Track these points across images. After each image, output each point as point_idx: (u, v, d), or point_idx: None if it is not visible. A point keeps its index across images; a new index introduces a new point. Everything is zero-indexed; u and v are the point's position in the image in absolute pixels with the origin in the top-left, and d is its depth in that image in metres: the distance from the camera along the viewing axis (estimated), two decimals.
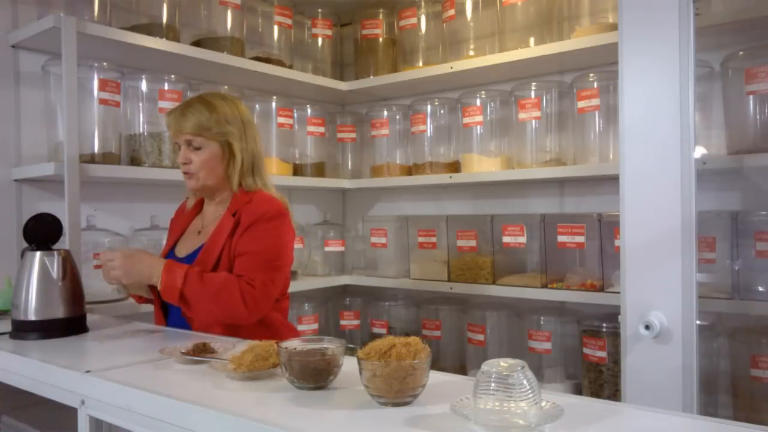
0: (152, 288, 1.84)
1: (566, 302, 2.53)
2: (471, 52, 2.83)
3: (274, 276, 1.79)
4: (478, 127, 2.80)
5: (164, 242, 2.45)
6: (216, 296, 1.70)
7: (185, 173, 1.89)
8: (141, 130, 2.46)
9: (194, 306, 1.72)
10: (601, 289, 2.36)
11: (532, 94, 2.65)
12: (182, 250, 1.94)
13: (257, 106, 2.95)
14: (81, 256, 2.12)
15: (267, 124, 2.95)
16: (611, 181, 1.99)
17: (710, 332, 2.18)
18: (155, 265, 1.74)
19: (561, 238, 2.49)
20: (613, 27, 2.28)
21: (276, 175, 2.90)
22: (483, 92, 2.82)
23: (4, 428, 1.78)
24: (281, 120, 2.98)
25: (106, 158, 2.34)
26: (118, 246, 2.34)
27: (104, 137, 2.34)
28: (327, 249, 3.22)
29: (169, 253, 1.97)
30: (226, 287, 1.71)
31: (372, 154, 3.26)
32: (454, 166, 2.94)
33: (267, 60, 2.88)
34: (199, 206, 2.03)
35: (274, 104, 2.97)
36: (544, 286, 2.51)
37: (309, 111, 3.15)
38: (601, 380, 2.35)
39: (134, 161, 2.43)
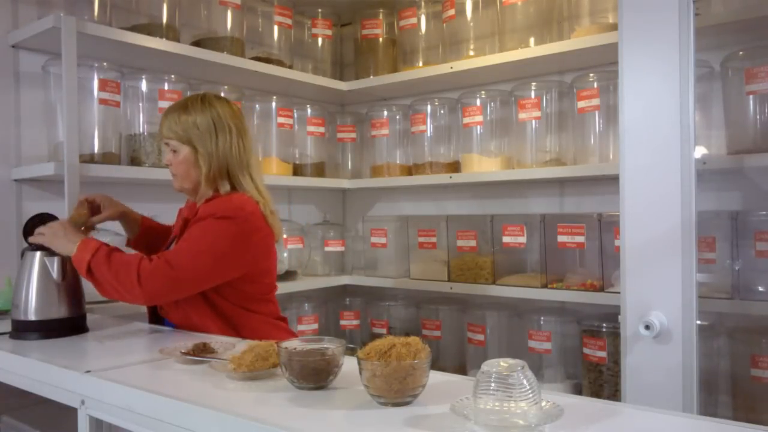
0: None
1: (566, 302, 2.53)
2: (471, 52, 2.83)
3: (187, 263, 1.69)
4: (478, 127, 2.80)
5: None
6: (117, 273, 1.66)
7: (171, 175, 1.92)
8: (141, 130, 2.46)
9: (99, 280, 1.68)
10: (601, 289, 2.36)
11: (532, 94, 2.65)
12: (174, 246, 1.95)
13: (257, 106, 2.95)
14: None
15: (267, 124, 2.95)
16: (611, 181, 1.99)
17: (710, 332, 2.17)
18: (75, 239, 1.72)
19: (561, 238, 2.49)
20: (613, 27, 2.28)
21: (276, 175, 2.90)
22: (483, 92, 2.82)
23: (4, 428, 1.78)
24: (281, 120, 2.98)
25: (106, 158, 2.34)
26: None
27: (104, 137, 2.34)
28: (327, 249, 3.22)
29: (168, 247, 1.98)
30: (127, 264, 1.67)
31: (372, 154, 3.26)
32: (454, 166, 2.94)
33: (267, 60, 2.88)
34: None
35: (274, 104, 2.97)
36: (544, 286, 2.51)
37: (309, 111, 3.15)
38: (601, 380, 2.35)
39: (134, 161, 2.44)
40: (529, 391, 0.88)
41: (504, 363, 0.90)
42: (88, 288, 1.90)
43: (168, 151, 1.89)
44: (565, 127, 2.66)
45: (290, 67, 3.04)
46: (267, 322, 1.90)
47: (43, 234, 1.74)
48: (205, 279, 1.74)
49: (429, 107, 3.01)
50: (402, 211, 3.30)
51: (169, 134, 1.85)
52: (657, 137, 1.72)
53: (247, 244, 1.78)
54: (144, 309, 2.13)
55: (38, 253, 1.72)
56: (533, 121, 2.64)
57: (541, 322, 2.56)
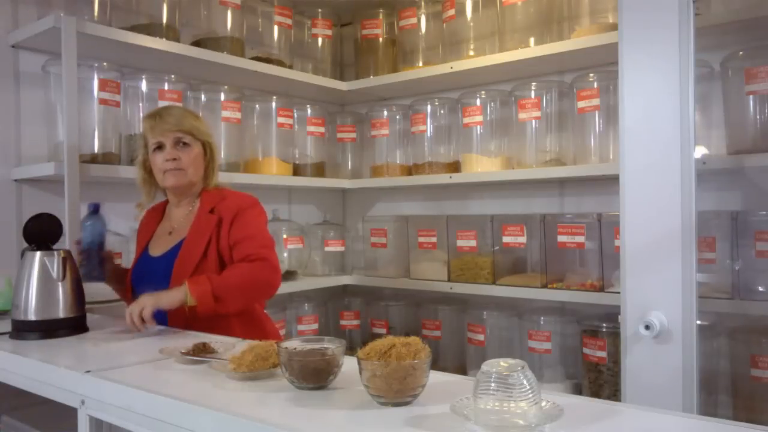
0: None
1: (566, 302, 2.53)
2: (471, 52, 2.83)
3: (272, 252, 1.91)
4: (478, 127, 2.80)
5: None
6: (246, 286, 1.81)
7: (171, 170, 1.93)
8: (141, 130, 2.45)
9: (226, 297, 1.77)
10: (601, 289, 2.36)
11: (532, 94, 2.65)
12: (156, 251, 1.98)
13: (257, 106, 2.95)
14: None
15: (267, 124, 2.95)
16: (611, 181, 1.99)
17: (710, 332, 2.17)
18: (179, 288, 1.75)
19: (561, 238, 2.49)
20: (613, 27, 2.28)
21: (276, 175, 2.90)
22: (483, 92, 2.82)
23: (4, 428, 1.77)
24: (281, 120, 2.98)
25: (106, 158, 2.34)
26: (118, 244, 2.36)
27: (104, 137, 2.34)
28: (327, 249, 3.22)
29: (143, 254, 2.01)
30: (254, 273, 1.83)
31: (372, 154, 3.26)
32: (454, 166, 2.94)
33: (267, 60, 2.88)
34: (160, 211, 2.09)
35: (274, 104, 2.97)
36: (544, 286, 2.51)
37: (309, 111, 3.16)
38: (601, 380, 2.35)
39: (134, 161, 2.43)
40: (529, 391, 0.88)
41: (504, 363, 0.90)
42: (88, 288, 1.90)
43: (174, 148, 1.93)
44: (565, 127, 2.66)
45: (290, 67, 3.04)
46: (260, 312, 2.04)
47: (146, 305, 1.70)
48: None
49: (429, 107, 3.01)
50: (402, 211, 3.30)
51: (189, 129, 1.95)
52: (657, 137, 1.72)
53: (266, 222, 2.03)
54: None
55: (38, 253, 1.72)
56: (533, 121, 2.64)
57: (541, 322, 2.56)
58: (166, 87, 2.51)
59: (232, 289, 1.79)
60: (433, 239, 2.90)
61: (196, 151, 1.96)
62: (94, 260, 1.96)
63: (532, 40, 2.64)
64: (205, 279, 1.77)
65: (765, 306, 2.08)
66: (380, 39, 3.20)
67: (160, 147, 1.94)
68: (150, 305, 1.70)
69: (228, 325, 1.82)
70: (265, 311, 2.11)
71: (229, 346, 1.45)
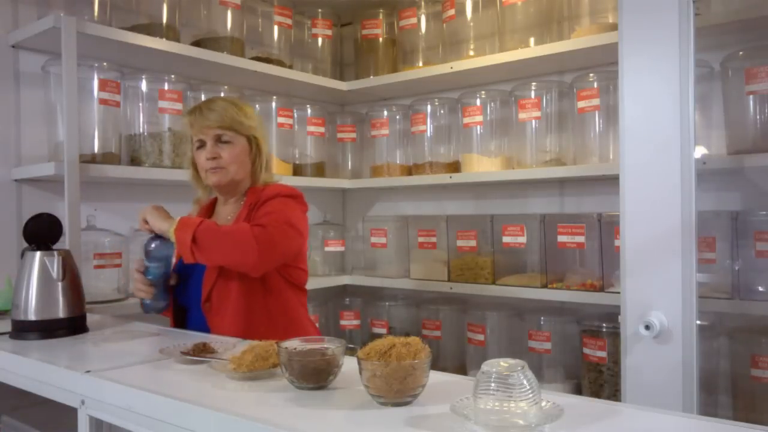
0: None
1: (566, 302, 2.53)
2: (471, 52, 2.83)
3: (288, 230, 1.79)
4: (478, 127, 2.80)
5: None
6: (228, 234, 1.73)
7: (212, 169, 1.89)
8: (141, 130, 2.46)
9: (204, 245, 1.70)
10: (601, 289, 2.36)
11: (532, 94, 2.65)
12: None
13: (257, 106, 2.95)
14: (81, 256, 2.12)
15: (267, 124, 2.95)
16: (611, 181, 1.99)
17: (710, 332, 2.17)
18: (171, 219, 1.79)
19: (561, 238, 2.49)
20: (613, 27, 2.28)
21: (276, 174, 2.90)
22: (483, 92, 2.82)
23: (4, 428, 1.77)
24: (281, 120, 2.98)
25: (106, 158, 2.34)
26: (118, 244, 2.37)
27: (104, 137, 2.34)
28: (327, 249, 3.22)
29: None
30: (240, 229, 1.73)
31: (372, 154, 3.26)
32: (454, 166, 2.94)
33: (267, 60, 2.88)
34: (209, 210, 2.05)
35: (274, 104, 2.97)
36: (544, 286, 2.51)
37: (309, 111, 3.16)
38: (601, 380, 2.35)
39: (134, 161, 2.44)
40: (529, 391, 0.88)
41: (504, 363, 0.90)
42: (88, 288, 1.90)
43: (215, 145, 1.88)
44: (565, 127, 2.66)
45: (290, 67, 3.04)
46: (303, 316, 1.97)
47: (146, 211, 1.83)
48: (292, 248, 1.83)
49: (429, 107, 3.01)
50: (402, 211, 3.30)
51: (229, 124, 1.88)
52: (657, 137, 1.72)
53: (306, 219, 1.93)
54: (139, 310, 2.12)
55: (38, 253, 1.72)
56: (533, 121, 2.64)
57: (541, 322, 2.56)
58: (166, 87, 2.51)
59: (215, 237, 1.71)
60: (433, 239, 2.90)
61: (239, 147, 1.90)
62: (162, 292, 1.87)
63: (532, 40, 2.64)
64: (194, 223, 1.73)
65: (765, 306, 2.08)
66: (380, 39, 3.20)
67: (202, 144, 1.90)
68: (149, 215, 1.80)
69: (270, 330, 1.75)
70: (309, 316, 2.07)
71: (229, 346, 1.45)
